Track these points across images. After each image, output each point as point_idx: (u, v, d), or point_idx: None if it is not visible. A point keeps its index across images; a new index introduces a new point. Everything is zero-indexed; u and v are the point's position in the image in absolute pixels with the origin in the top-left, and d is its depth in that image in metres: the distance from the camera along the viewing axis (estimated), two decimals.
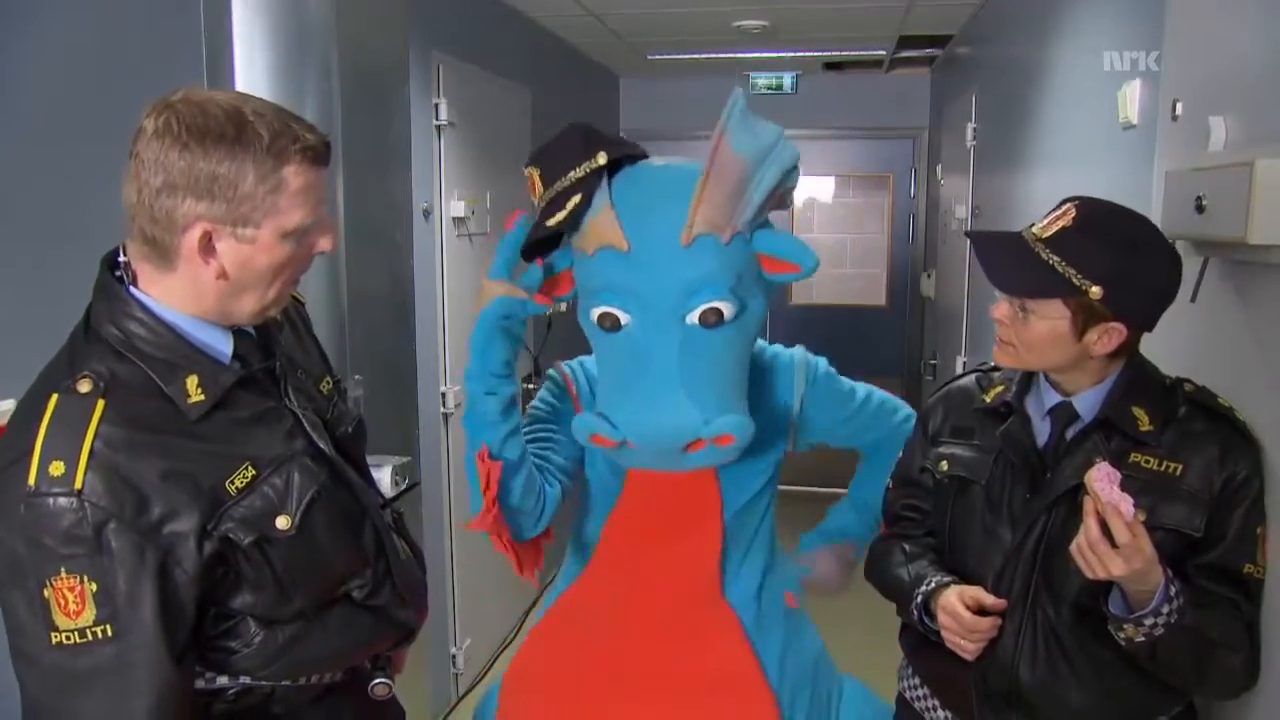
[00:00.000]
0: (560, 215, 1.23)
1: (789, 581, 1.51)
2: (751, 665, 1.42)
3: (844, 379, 1.59)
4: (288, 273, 1.20)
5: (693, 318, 1.21)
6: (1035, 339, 1.43)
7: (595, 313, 1.25)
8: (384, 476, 2.24)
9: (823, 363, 1.53)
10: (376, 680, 1.36)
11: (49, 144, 1.70)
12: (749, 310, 1.26)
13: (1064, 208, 1.43)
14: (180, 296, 1.16)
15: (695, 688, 1.41)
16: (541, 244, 1.31)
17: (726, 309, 1.22)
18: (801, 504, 6.04)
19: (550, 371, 1.48)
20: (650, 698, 1.41)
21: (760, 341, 1.45)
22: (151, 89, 1.88)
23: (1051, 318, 1.40)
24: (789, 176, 1.25)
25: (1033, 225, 1.45)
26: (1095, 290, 1.36)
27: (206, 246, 1.12)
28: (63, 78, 1.72)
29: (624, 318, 1.23)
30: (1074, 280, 1.37)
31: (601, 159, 1.24)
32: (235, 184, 1.10)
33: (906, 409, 1.70)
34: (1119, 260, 1.37)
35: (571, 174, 1.24)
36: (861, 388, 1.61)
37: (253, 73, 2.13)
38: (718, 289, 1.21)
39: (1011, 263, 1.44)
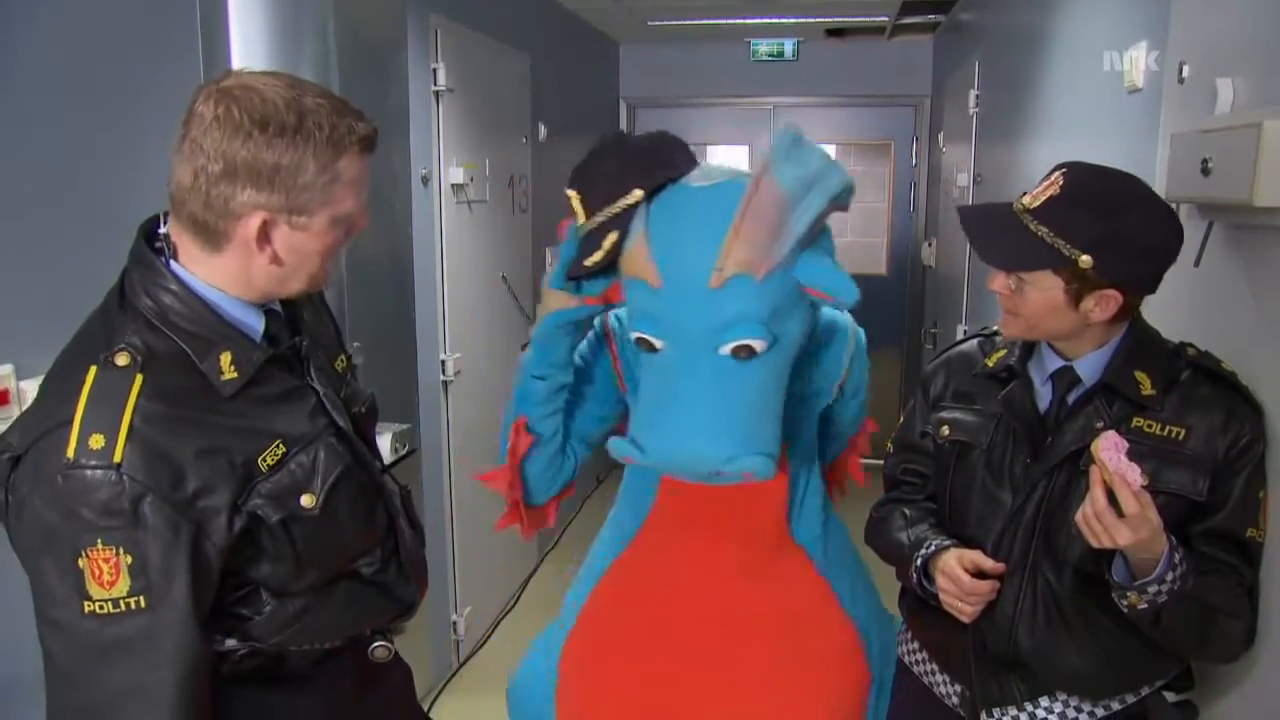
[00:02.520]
0: (597, 255, 1.24)
1: (842, 528, 1.56)
2: (830, 598, 1.47)
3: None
4: (332, 254, 1.23)
5: (725, 350, 1.23)
6: (1032, 310, 1.42)
7: (634, 335, 1.28)
8: (383, 443, 2.25)
9: (862, 334, 1.59)
10: (376, 643, 1.39)
11: (43, 106, 1.68)
12: (783, 340, 1.27)
13: (1052, 176, 1.42)
14: (226, 277, 1.17)
15: (779, 624, 1.45)
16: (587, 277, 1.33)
17: (758, 345, 1.23)
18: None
19: (595, 321, 1.50)
20: (737, 638, 1.44)
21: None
22: (145, 52, 1.87)
23: (1045, 288, 1.39)
24: (841, 198, 1.24)
25: (1024, 195, 1.44)
26: (1085, 259, 1.35)
27: (263, 235, 1.14)
28: (59, 38, 1.70)
29: (658, 343, 1.25)
30: (1063, 250, 1.36)
31: (636, 195, 1.23)
32: (296, 175, 1.11)
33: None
34: (1107, 227, 1.35)
35: (608, 209, 1.24)
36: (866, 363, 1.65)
37: (248, 37, 2.11)
38: (749, 327, 1.22)
39: (1000, 237, 1.43)
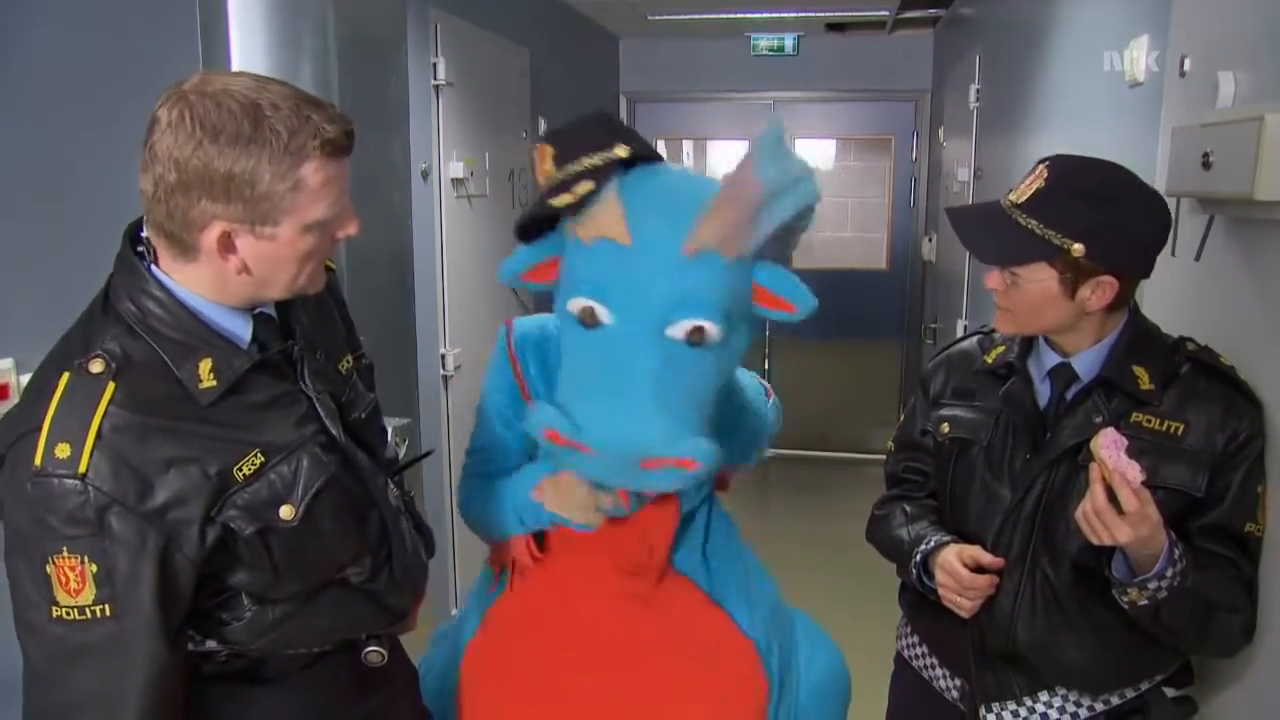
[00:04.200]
0: (566, 198, 1.17)
1: (730, 527, 1.51)
2: (720, 617, 1.41)
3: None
4: (315, 260, 1.17)
5: (675, 331, 1.16)
6: (1029, 303, 1.42)
7: (576, 304, 1.19)
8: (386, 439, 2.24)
9: (776, 407, 1.54)
10: (369, 648, 1.36)
11: (44, 103, 1.68)
12: (732, 340, 1.21)
13: (1036, 170, 1.42)
14: (204, 285, 1.14)
15: (671, 651, 1.40)
16: (536, 224, 1.25)
17: (713, 331, 1.17)
18: (834, 470, 6.01)
19: (500, 333, 1.42)
20: (632, 666, 1.41)
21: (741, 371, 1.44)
22: (145, 48, 1.86)
23: (1040, 280, 1.39)
24: (805, 217, 1.20)
25: (1010, 192, 1.44)
26: (1077, 248, 1.35)
27: (226, 244, 1.10)
28: (59, 35, 1.70)
29: (605, 316, 1.18)
30: (1054, 241, 1.36)
31: (621, 151, 1.18)
32: (252, 184, 1.06)
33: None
34: (1097, 214, 1.36)
35: (586, 160, 1.18)
36: None
37: (247, 32, 2.10)
38: (708, 308, 1.16)
39: (990, 234, 1.43)
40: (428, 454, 1.94)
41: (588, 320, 1.19)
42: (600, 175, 1.18)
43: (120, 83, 1.81)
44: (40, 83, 1.67)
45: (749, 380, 1.47)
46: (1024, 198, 1.40)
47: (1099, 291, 1.39)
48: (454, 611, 3.52)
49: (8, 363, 1.59)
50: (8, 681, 1.35)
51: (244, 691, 1.27)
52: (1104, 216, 1.36)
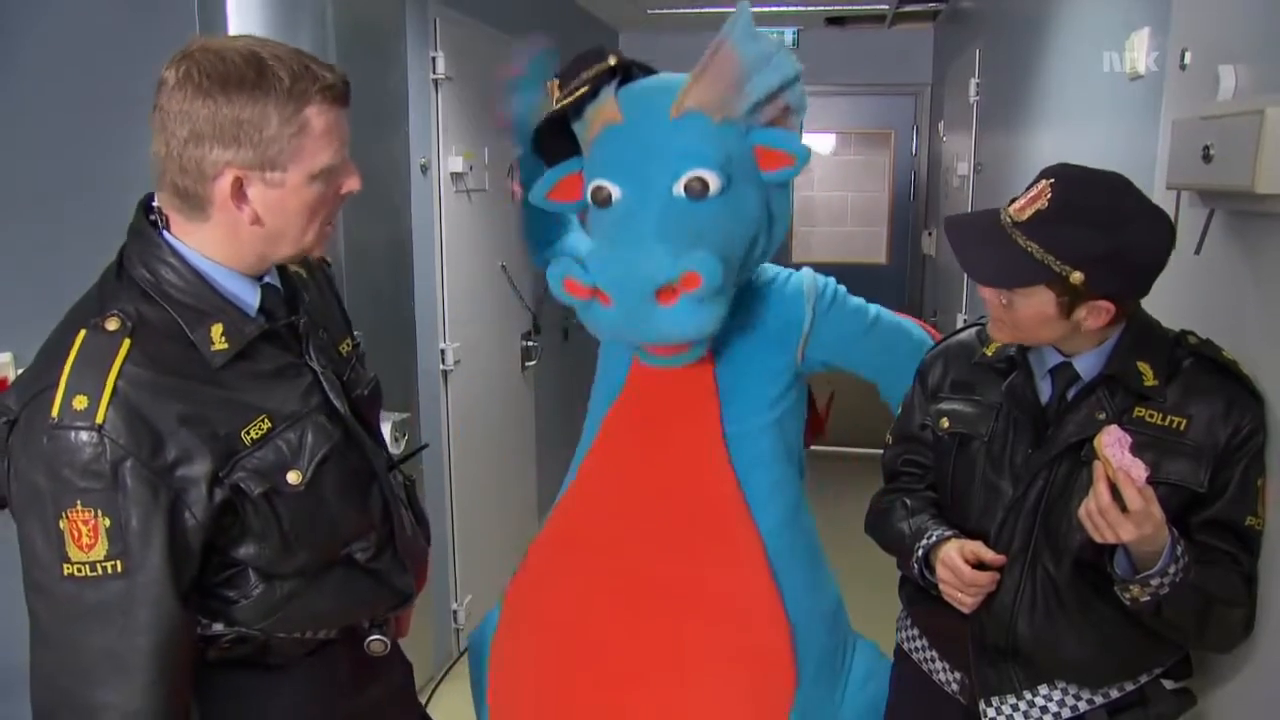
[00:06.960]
0: (566, 100, 1.32)
1: (810, 524, 1.54)
2: (772, 591, 1.43)
3: (854, 297, 1.62)
4: (322, 214, 1.21)
5: (678, 188, 1.26)
6: (1023, 321, 1.41)
7: (591, 187, 1.32)
8: (383, 432, 2.25)
9: (832, 282, 1.58)
10: (372, 637, 1.38)
11: (42, 97, 1.68)
12: (739, 192, 1.30)
13: (1039, 186, 1.39)
14: (216, 245, 1.17)
15: (710, 607, 1.42)
16: (554, 147, 1.39)
17: (712, 180, 1.26)
18: (836, 463, 6.03)
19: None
20: (656, 611, 1.42)
21: (766, 265, 1.50)
22: (143, 39, 1.86)
23: (1036, 301, 1.38)
24: (791, 89, 1.32)
25: (1011, 203, 1.41)
26: (1076, 275, 1.33)
27: (239, 193, 1.13)
28: (57, 30, 1.69)
29: (615, 191, 1.29)
30: (1053, 266, 1.34)
31: (611, 60, 1.34)
32: (260, 128, 1.10)
33: (919, 333, 1.72)
34: (1100, 242, 1.33)
35: (584, 74, 1.33)
36: (872, 307, 1.66)
37: (245, 25, 2.10)
38: (703, 159, 1.26)
39: (987, 252, 1.41)
40: (424, 447, 1.96)
41: (602, 199, 1.31)
42: (596, 82, 1.34)
43: (118, 75, 1.80)
44: (37, 80, 1.67)
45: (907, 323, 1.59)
46: (1025, 216, 1.37)
47: (1095, 314, 1.38)
48: (454, 604, 3.53)
49: (6, 356, 1.59)
50: (8, 673, 1.35)
51: (247, 679, 1.28)
52: (1107, 244, 1.33)
